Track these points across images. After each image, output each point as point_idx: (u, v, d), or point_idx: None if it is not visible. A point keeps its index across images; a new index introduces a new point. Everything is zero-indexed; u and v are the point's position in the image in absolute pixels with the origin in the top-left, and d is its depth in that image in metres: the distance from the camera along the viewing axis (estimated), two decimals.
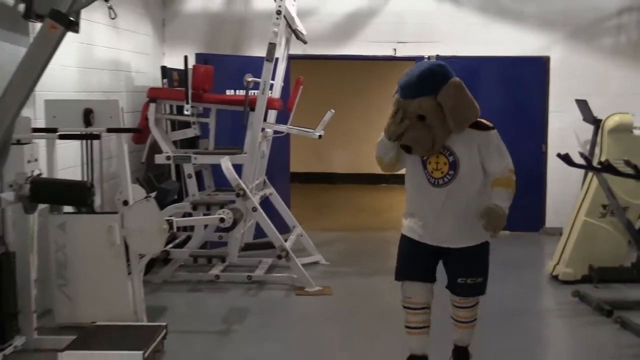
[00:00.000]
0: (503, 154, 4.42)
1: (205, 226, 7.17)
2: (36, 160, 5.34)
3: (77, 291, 5.61)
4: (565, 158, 6.37)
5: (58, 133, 5.64)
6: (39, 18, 5.16)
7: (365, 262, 8.20)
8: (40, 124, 5.75)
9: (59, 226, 5.61)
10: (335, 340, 5.75)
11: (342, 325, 6.05)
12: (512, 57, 9.63)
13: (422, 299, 4.47)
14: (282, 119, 8.32)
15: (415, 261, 4.51)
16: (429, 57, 9.51)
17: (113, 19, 5.52)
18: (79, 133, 5.79)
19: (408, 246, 4.54)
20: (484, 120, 4.43)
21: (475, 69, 9.53)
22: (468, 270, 4.47)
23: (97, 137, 5.92)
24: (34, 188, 5.03)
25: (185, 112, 7.57)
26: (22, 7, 5.60)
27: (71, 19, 4.22)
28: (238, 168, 7.22)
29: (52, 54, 4.20)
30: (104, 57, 7.65)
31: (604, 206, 7.06)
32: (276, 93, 8.12)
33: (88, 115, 5.72)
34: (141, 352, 4.81)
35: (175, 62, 9.03)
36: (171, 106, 8.08)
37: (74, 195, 5.37)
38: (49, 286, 5.67)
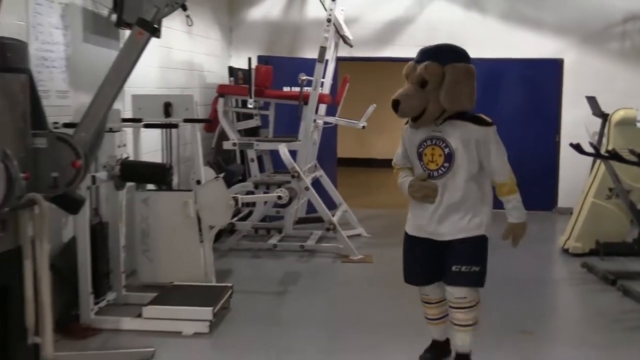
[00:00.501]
0: (502, 152, 3.82)
1: (265, 203, 7.21)
2: (125, 145, 5.43)
3: (157, 256, 5.69)
4: (577, 147, 6.31)
5: (143, 123, 5.71)
6: (128, 26, 5.23)
7: (402, 235, 8.15)
8: (128, 115, 5.82)
9: (143, 201, 5.69)
10: (374, 299, 5.77)
11: (381, 288, 6.05)
12: (530, 59, 9.48)
13: (436, 295, 4.05)
14: (331, 111, 8.33)
15: (420, 265, 4.04)
16: None
17: (190, 26, 5.53)
18: (160, 123, 5.86)
19: (409, 245, 4.08)
20: (483, 116, 3.83)
21: (499, 69, 9.47)
22: (462, 257, 3.83)
23: (175, 126, 5.98)
24: (123, 169, 5.12)
25: (249, 106, 7.63)
26: (114, 17, 5.69)
27: (155, 26, 4.26)
28: (293, 153, 7.23)
29: (139, 56, 4.24)
30: (180, 59, 7.71)
31: (610, 189, 6.97)
32: (326, 89, 8.12)
33: (167, 108, 5.80)
34: (211, 308, 4.87)
35: (240, 62, 9.09)
36: (237, 100, 8.13)
37: (156, 175, 5.46)
38: (134, 251, 5.76)
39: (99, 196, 5.31)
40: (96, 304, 5.05)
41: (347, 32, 8.30)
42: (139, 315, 4.93)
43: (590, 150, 6.55)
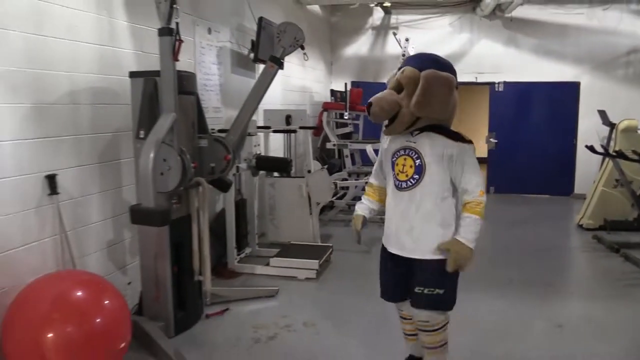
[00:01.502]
0: (476, 172, 2.61)
1: (355, 187, 7.24)
2: (258, 145, 5.57)
3: (280, 223, 5.80)
4: (591, 148, 6.26)
5: (271, 129, 5.84)
6: (261, 61, 5.37)
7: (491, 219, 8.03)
8: (261, 123, 5.94)
9: (270, 184, 5.82)
10: None
11: None
12: (554, 82, 9.05)
13: (410, 311, 2.81)
14: None
15: (393, 280, 2.82)
16: (498, 83, 9.18)
17: (306, 60, 5.60)
18: (283, 129, 5.95)
19: (383, 258, 2.87)
20: (462, 133, 2.64)
21: (530, 90, 9.11)
22: (426, 279, 2.65)
23: (293, 131, 6.06)
24: (258, 161, 5.26)
25: (345, 117, 7.65)
26: (251, 55, 5.84)
27: (281, 61, 4.34)
28: (376, 152, 7.20)
29: (270, 82, 4.33)
30: (297, 84, 7.82)
31: (616, 180, 6.66)
32: None
33: (288, 119, 5.90)
34: (317, 260, 4.92)
35: (338, 86, 9.12)
36: (336, 113, 8.18)
37: (280, 166, 5.56)
38: (264, 219, 5.89)
39: (241, 180, 5.44)
40: (238, 255, 5.22)
41: None
42: (268, 264, 5.03)
43: (600, 150, 6.49)
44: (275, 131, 5.87)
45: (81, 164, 3.50)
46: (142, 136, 3.34)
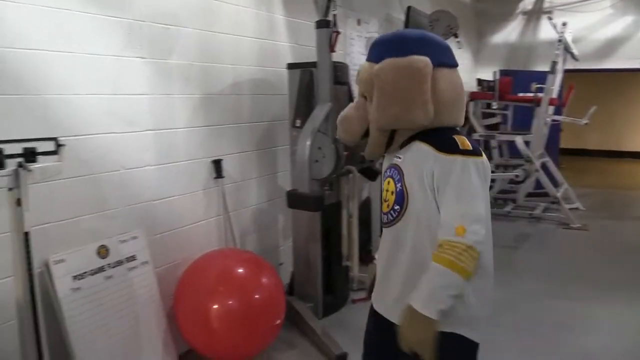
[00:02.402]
0: (462, 197, 1.55)
1: (502, 179, 6.93)
2: None
3: None
4: None
5: None
6: None
7: (613, 210, 7.39)
8: None
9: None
10: (591, 260, 5.25)
11: (596, 252, 5.50)
12: None
13: None
14: (556, 111, 7.70)
15: (375, 348, 1.87)
16: None
17: (460, 49, 5.39)
18: None
19: (369, 317, 1.90)
20: (459, 138, 1.61)
21: None
22: None
23: None
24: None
25: (493, 107, 7.36)
26: None
27: None
28: (526, 143, 6.82)
29: None
30: None
31: None
32: (554, 94, 7.52)
33: None
34: None
35: (486, 75, 8.77)
36: (483, 103, 7.88)
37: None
38: None
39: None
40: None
41: (574, 49, 7.59)
42: None
43: None
44: None
45: (242, 150, 3.73)
46: (298, 125, 3.48)
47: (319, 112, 3.36)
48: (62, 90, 2.58)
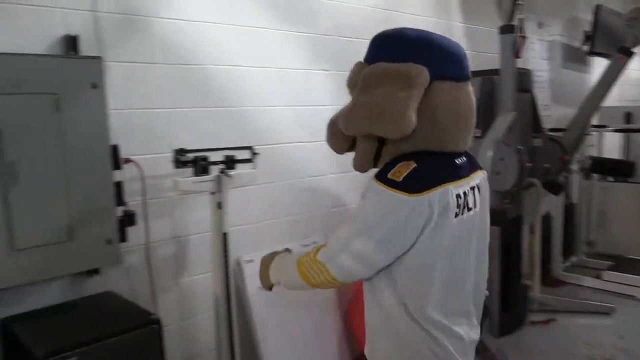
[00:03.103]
0: (353, 220, 1.30)
1: None
2: (592, 145, 5.07)
3: (613, 232, 5.12)
4: None
5: (608, 128, 5.27)
6: (597, 54, 4.87)
7: None
8: (594, 122, 5.39)
9: (602, 189, 5.21)
10: None
11: None
12: None
13: None
14: None
15: None
16: None
17: None
18: (622, 128, 5.30)
19: None
20: (400, 167, 1.23)
21: None
22: None
23: (635, 131, 5.34)
24: (593, 163, 4.80)
25: None
26: (585, 48, 5.35)
27: (632, 51, 3.86)
28: None
29: (618, 77, 3.90)
30: (636, 76, 6.87)
31: None
32: None
33: (628, 117, 5.23)
34: None
35: None
36: None
37: (623, 169, 4.94)
38: (591, 226, 5.31)
39: (570, 183, 5.05)
40: (564, 263, 4.87)
41: None
42: (598, 277, 4.56)
43: None
44: (616, 130, 5.27)
45: None
46: (477, 135, 3.34)
47: (502, 122, 3.20)
48: (257, 103, 2.77)
